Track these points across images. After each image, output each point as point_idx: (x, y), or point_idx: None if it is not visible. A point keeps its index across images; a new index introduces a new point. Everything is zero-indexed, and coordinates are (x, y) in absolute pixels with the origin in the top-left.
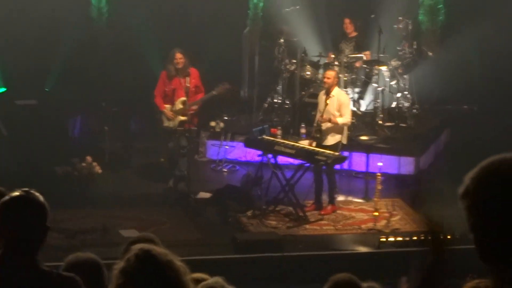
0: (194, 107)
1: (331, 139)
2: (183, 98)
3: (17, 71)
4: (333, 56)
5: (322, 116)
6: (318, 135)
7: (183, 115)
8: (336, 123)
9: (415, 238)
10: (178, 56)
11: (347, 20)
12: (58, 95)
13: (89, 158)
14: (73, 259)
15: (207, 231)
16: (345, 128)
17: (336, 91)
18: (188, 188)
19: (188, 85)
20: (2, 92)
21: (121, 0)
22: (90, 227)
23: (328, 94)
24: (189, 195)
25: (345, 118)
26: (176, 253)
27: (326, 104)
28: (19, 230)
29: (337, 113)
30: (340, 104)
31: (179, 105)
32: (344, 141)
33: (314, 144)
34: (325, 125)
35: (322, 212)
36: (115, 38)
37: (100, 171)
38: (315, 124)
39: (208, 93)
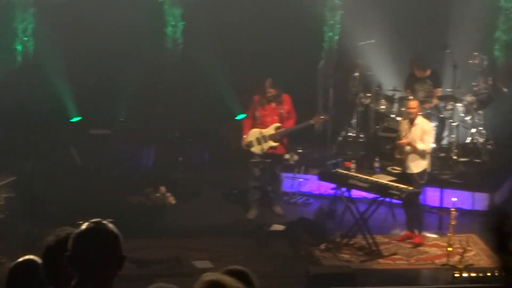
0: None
1: (416, 167)
2: (277, 124)
3: (91, 100)
4: (408, 91)
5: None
6: (399, 156)
7: (274, 141)
8: (415, 147)
9: (489, 274)
10: (269, 85)
11: (414, 64)
12: (132, 125)
13: (162, 189)
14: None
15: (279, 263)
16: (428, 156)
17: (420, 120)
18: (263, 218)
19: (282, 111)
20: (77, 121)
21: (195, 32)
22: (162, 257)
23: (411, 123)
24: (262, 227)
25: (425, 145)
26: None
27: (409, 132)
28: (93, 261)
29: (420, 142)
30: (423, 132)
31: (271, 131)
32: (429, 169)
33: (393, 179)
34: (408, 152)
35: (415, 241)
36: (188, 69)
37: (173, 201)
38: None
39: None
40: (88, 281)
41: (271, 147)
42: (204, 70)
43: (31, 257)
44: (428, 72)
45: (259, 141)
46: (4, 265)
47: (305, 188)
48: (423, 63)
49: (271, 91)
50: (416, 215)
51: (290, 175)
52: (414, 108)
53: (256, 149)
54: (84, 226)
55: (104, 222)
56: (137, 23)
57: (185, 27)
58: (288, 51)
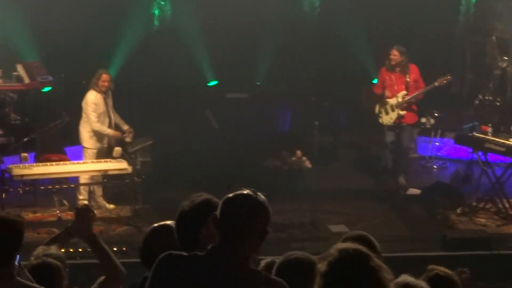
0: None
1: None
2: (404, 92)
3: (228, 64)
4: None
5: None
6: None
7: (402, 110)
8: None
9: None
10: (394, 53)
11: None
12: (269, 88)
13: (299, 152)
14: (287, 257)
15: (415, 227)
16: None
17: None
18: (397, 184)
19: (408, 79)
20: (214, 85)
21: None
22: (298, 221)
23: None
24: (398, 191)
25: None
26: (384, 249)
27: None
28: (237, 228)
29: None
30: None
31: (399, 99)
32: None
33: None
34: None
35: None
36: (324, 33)
37: (309, 165)
38: None
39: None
40: (227, 248)
41: (399, 116)
42: (340, 34)
43: (167, 222)
44: None
45: (386, 111)
46: (141, 229)
47: (442, 152)
48: None
49: (395, 58)
50: None
51: (427, 138)
52: None
53: (384, 119)
54: (240, 192)
55: (259, 193)
56: None
57: None
58: (425, 14)
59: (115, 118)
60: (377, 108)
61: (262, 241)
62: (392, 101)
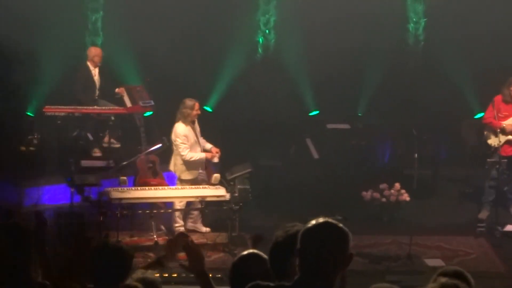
0: None
1: None
2: None
3: (329, 94)
4: None
5: None
6: None
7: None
8: None
9: None
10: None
11: None
12: (370, 119)
13: (397, 185)
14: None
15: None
16: None
17: None
18: (496, 219)
19: None
20: (315, 115)
21: (438, 27)
22: (395, 254)
23: None
24: (495, 226)
25: None
26: (479, 286)
27: None
28: (319, 257)
29: None
30: None
31: (509, 124)
32: None
33: None
34: None
35: None
36: (426, 65)
37: (408, 198)
38: None
39: None
40: (312, 277)
41: (508, 141)
42: (444, 65)
43: (255, 251)
44: None
45: (496, 133)
46: (234, 255)
47: None
48: None
49: None
50: None
51: None
52: None
53: (492, 140)
54: (314, 222)
55: (334, 219)
56: (379, 18)
57: (427, 23)
58: None
59: (202, 142)
60: (487, 133)
61: (346, 267)
62: (504, 124)
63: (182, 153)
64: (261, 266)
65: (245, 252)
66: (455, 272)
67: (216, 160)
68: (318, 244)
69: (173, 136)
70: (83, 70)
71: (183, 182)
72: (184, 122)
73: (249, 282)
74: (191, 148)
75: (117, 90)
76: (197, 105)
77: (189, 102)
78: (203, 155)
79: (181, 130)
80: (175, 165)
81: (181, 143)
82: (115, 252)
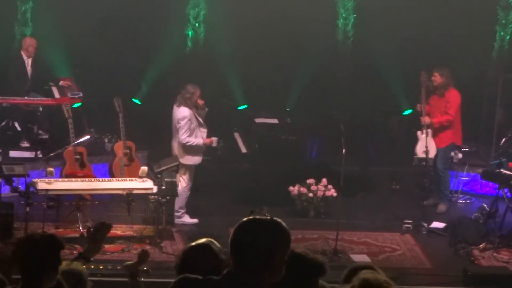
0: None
1: None
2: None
3: (259, 88)
4: None
5: None
6: None
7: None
8: None
9: None
10: (434, 74)
11: None
12: (298, 115)
13: (324, 180)
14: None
15: (437, 261)
16: None
17: None
18: (422, 216)
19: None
20: (243, 109)
21: (367, 24)
22: (321, 249)
23: None
24: (422, 223)
25: None
26: (405, 282)
27: None
28: (244, 250)
29: None
30: None
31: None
32: None
33: None
34: None
35: None
36: (356, 62)
37: (335, 194)
38: None
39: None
40: (239, 272)
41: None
42: (374, 63)
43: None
44: None
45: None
46: (163, 249)
47: (468, 187)
48: None
49: (435, 79)
50: None
51: (453, 173)
52: None
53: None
54: (245, 218)
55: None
56: (310, 14)
57: (356, 20)
58: (461, 43)
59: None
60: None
61: (273, 263)
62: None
63: (181, 137)
64: (211, 258)
65: (199, 241)
66: (366, 267)
67: (214, 144)
68: (246, 239)
69: (175, 120)
70: (16, 59)
71: (185, 167)
72: (187, 106)
73: (196, 274)
74: (192, 132)
75: (61, 82)
76: (198, 92)
77: (190, 88)
78: (200, 140)
79: (185, 114)
80: (175, 148)
81: (183, 126)
82: (43, 241)
